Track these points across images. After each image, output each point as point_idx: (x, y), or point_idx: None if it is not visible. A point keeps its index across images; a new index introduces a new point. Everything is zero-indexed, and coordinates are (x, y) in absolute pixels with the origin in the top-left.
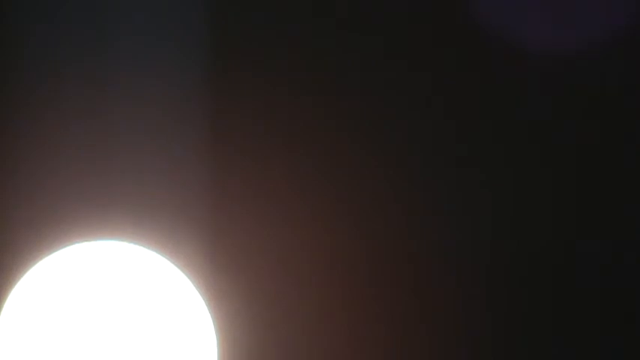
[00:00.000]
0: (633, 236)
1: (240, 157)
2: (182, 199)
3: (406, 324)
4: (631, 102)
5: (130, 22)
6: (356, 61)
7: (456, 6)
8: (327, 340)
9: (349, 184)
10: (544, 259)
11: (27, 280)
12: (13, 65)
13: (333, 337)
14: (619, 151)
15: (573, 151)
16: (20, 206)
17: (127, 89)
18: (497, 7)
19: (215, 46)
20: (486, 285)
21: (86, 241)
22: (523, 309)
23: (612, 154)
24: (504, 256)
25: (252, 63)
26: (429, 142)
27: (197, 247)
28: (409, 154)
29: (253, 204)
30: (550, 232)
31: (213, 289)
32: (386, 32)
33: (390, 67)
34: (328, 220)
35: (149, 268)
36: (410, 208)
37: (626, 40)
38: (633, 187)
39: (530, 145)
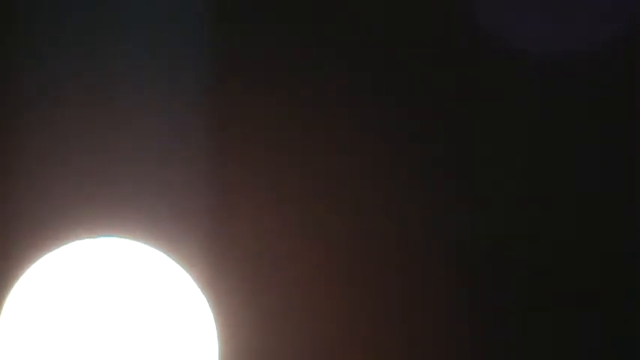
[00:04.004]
0: (633, 236)
1: (243, 155)
2: (184, 197)
3: (410, 324)
4: (631, 102)
5: (131, 22)
6: (355, 61)
7: (456, 6)
8: (329, 338)
9: (351, 183)
10: (543, 259)
11: (28, 277)
12: (13, 65)
13: (335, 336)
14: (619, 150)
15: (573, 151)
16: (21, 203)
17: (128, 88)
18: (498, 8)
19: (215, 45)
20: (483, 285)
21: (87, 238)
22: (521, 309)
23: (612, 153)
24: (501, 256)
25: (253, 63)
26: (428, 143)
27: (198, 245)
28: (409, 155)
29: (256, 202)
30: (550, 231)
31: (215, 287)
32: (386, 32)
33: (390, 67)
34: (331, 219)
35: (150, 266)
36: (411, 208)
37: (626, 40)
38: (634, 187)
39: (530, 145)
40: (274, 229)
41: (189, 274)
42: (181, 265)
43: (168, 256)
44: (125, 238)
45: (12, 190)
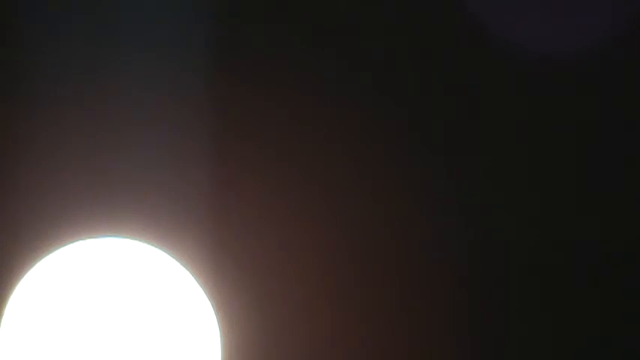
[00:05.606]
0: (633, 236)
1: (243, 155)
2: (187, 197)
3: (410, 324)
4: (631, 102)
5: (131, 21)
6: (355, 61)
7: (456, 5)
8: (330, 336)
9: (352, 183)
10: (541, 259)
11: (30, 277)
12: (14, 64)
13: (335, 334)
14: (619, 150)
15: (573, 151)
16: (23, 203)
17: (130, 87)
18: (497, 7)
19: (215, 45)
20: (477, 285)
21: (90, 238)
22: (521, 309)
23: (612, 153)
24: (500, 257)
25: (253, 63)
26: (428, 144)
27: (201, 245)
28: (408, 156)
29: (258, 202)
30: (549, 232)
31: (217, 285)
32: (386, 33)
33: (390, 67)
34: (331, 219)
35: (153, 266)
36: (411, 210)
37: (626, 40)
38: (633, 187)
39: (530, 146)
40: (275, 228)
41: (191, 273)
42: (183, 265)
43: (170, 255)
44: (127, 237)
45: (12, 190)
